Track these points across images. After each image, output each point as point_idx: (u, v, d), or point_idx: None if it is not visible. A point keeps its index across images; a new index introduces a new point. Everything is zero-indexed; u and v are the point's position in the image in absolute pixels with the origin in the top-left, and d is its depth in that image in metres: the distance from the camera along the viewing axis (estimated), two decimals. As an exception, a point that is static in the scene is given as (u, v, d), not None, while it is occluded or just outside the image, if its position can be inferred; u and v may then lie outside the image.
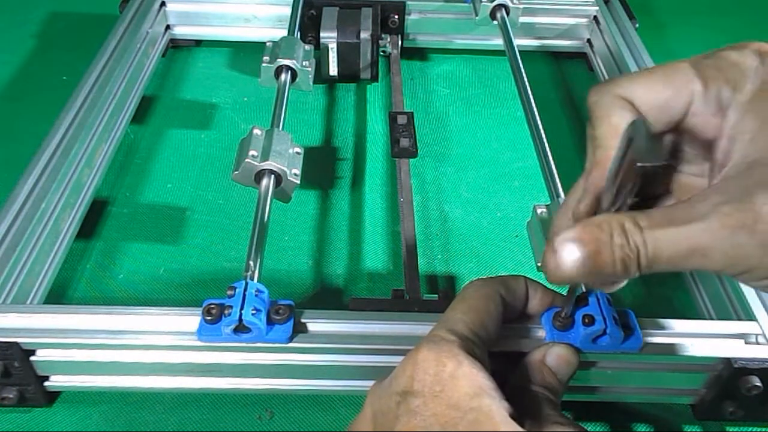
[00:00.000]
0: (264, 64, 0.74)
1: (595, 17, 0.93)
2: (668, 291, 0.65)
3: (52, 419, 0.52)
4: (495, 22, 0.86)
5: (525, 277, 0.45)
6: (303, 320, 0.49)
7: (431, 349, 0.37)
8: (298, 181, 0.61)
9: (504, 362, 0.43)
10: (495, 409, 0.35)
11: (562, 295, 0.46)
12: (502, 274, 0.44)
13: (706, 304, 0.60)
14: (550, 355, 0.43)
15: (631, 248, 0.31)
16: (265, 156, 0.59)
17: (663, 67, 0.34)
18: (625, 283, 0.38)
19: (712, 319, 0.59)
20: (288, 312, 0.48)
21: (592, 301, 0.46)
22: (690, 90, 0.33)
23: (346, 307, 0.59)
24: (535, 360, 0.43)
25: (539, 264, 0.55)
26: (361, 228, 0.70)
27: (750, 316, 0.53)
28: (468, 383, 0.35)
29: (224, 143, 0.79)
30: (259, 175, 0.60)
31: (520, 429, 0.34)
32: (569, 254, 0.32)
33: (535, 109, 0.70)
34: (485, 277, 0.43)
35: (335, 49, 0.85)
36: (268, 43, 0.77)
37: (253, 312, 0.46)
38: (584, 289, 0.47)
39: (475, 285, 0.43)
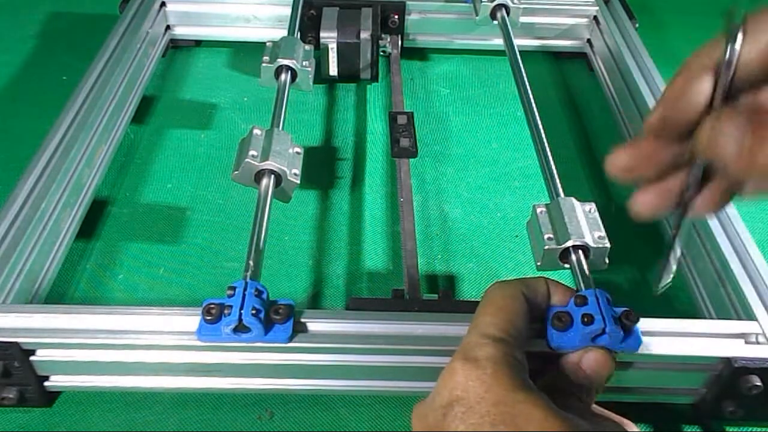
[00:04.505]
0: (264, 64, 0.74)
1: (595, 17, 0.93)
2: (668, 291, 0.65)
3: (52, 419, 0.52)
4: (495, 22, 0.86)
5: (545, 277, 0.46)
6: (303, 320, 0.49)
7: (467, 357, 0.38)
8: (298, 181, 0.61)
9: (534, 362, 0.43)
10: (543, 400, 0.35)
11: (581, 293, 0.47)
12: (523, 277, 0.45)
13: (706, 304, 0.60)
14: (587, 359, 0.44)
15: None
16: (265, 156, 0.59)
17: None
18: None
19: (712, 318, 0.59)
20: (288, 312, 0.48)
21: (592, 301, 0.46)
22: None
23: (346, 307, 0.59)
24: (571, 363, 0.44)
25: (539, 263, 0.55)
26: (361, 228, 0.70)
27: (750, 316, 0.53)
28: (510, 380, 0.36)
29: (224, 143, 0.79)
30: (259, 175, 0.60)
31: (571, 416, 0.35)
32: (733, 126, 0.29)
33: (535, 109, 0.70)
34: (506, 279, 0.44)
35: (335, 49, 0.85)
36: (268, 43, 0.77)
37: (253, 312, 0.46)
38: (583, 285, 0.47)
39: (498, 286, 0.43)
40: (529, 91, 0.73)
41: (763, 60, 0.29)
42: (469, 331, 0.41)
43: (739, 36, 0.29)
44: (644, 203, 0.35)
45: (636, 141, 0.34)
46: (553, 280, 0.46)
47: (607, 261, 0.54)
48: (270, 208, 0.57)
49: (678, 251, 0.39)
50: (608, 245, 0.53)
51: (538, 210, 0.57)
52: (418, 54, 0.96)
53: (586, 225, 0.54)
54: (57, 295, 0.61)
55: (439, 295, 0.58)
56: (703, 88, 0.31)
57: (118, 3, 0.87)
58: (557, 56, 0.98)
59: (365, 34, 0.85)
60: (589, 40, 0.95)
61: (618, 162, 0.34)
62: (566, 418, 0.35)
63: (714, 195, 0.34)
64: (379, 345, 0.49)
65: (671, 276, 0.40)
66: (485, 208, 0.73)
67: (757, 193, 0.33)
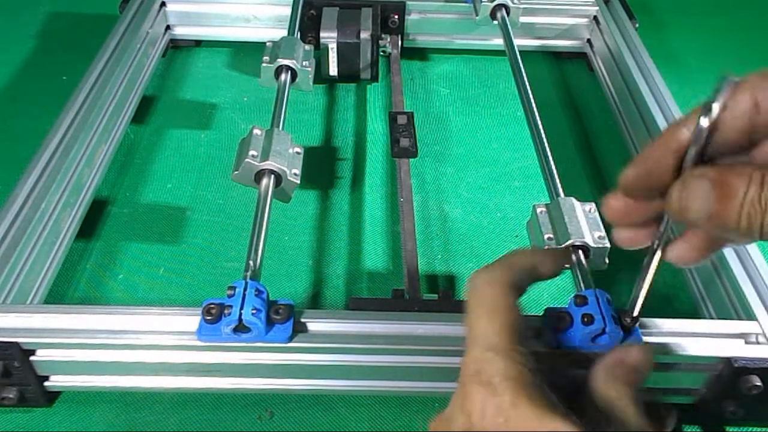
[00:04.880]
0: (264, 64, 0.74)
1: (595, 17, 0.93)
2: (668, 291, 0.65)
3: (52, 419, 0.52)
4: (495, 22, 0.86)
5: (521, 249, 0.41)
6: (303, 320, 0.49)
7: (480, 381, 0.34)
8: (298, 181, 0.61)
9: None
10: (571, 426, 0.32)
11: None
12: (501, 257, 0.40)
13: (706, 304, 0.60)
14: (628, 358, 0.40)
15: (762, 205, 0.29)
16: (265, 156, 0.59)
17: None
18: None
19: (712, 318, 0.59)
20: (288, 312, 0.48)
21: (591, 301, 0.46)
22: None
23: (346, 306, 0.59)
24: (611, 364, 0.40)
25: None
26: (361, 228, 0.70)
27: (750, 316, 0.53)
28: (532, 408, 0.33)
29: (224, 143, 0.79)
30: (259, 175, 0.60)
31: None
32: (699, 192, 0.31)
33: (535, 109, 0.70)
34: (481, 269, 0.39)
35: (335, 49, 0.85)
36: (268, 43, 0.77)
37: (253, 312, 0.46)
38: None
39: (479, 285, 0.38)
40: (529, 91, 0.73)
41: (738, 130, 0.31)
42: (470, 347, 0.36)
43: (715, 106, 0.30)
44: (624, 237, 0.37)
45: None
46: (532, 249, 0.42)
47: (607, 261, 0.54)
48: (270, 208, 0.57)
49: (648, 283, 0.40)
50: (608, 245, 0.53)
51: (538, 210, 0.57)
52: (418, 54, 0.96)
53: (586, 225, 0.54)
54: (57, 296, 0.61)
55: (439, 295, 0.58)
56: (678, 153, 0.32)
57: (118, 3, 0.87)
58: (557, 56, 0.98)
59: (365, 34, 0.85)
60: (589, 40, 0.95)
61: (612, 208, 0.36)
62: None
63: (694, 245, 0.35)
64: (379, 345, 0.49)
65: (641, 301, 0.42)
66: (485, 208, 0.73)
67: (744, 241, 0.34)
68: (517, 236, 0.70)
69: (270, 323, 0.48)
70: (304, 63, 0.75)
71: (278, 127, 0.66)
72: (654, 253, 0.37)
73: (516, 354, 0.35)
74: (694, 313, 0.61)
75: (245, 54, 0.94)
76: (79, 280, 0.63)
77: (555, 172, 0.62)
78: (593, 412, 0.36)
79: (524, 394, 0.33)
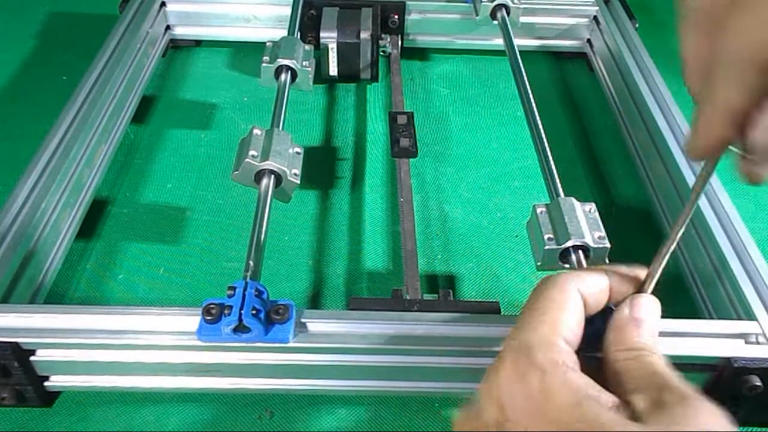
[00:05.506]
0: (264, 64, 0.74)
1: (595, 17, 0.93)
2: (668, 291, 0.65)
3: (52, 419, 0.52)
4: (495, 22, 0.86)
5: (605, 269, 0.40)
6: (303, 320, 0.49)
7: (511, 366, 0.34)
8: (298, 181, 0.61)
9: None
10: (602, 412, 0.31)
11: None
12: (580, 269, 0.41)
13: (706, 304, 0.60)
14: (637, 308, 0.39)
15: None
16: (265, 156, 0.59)
17: None
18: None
19: (712, 318, 0.59)
20: (288, 312, 0.48)
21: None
22: None
23: (346, 307, 0.59)
24: (624, 319, 0.38)
25: (539, 264, 0.55)
26: (361, 228, 0.70)
27: (750, 316, 0.52)
28: (563, 393, 0.32)
29: (224, 143, 0.79)
30: (259, 175, 0.60)
31: (637, 429, 0.31)
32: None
33: (535, 109, 0.70)
34: (561, 272, 0.39)
35: (335, 49, 0.85)
36: (268, 43, 0.77)
37: (253, 312, 0.46)
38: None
39: (549, 281, 0.38)
40: (529, 91, 0.73)
41: None
42: (513, 332, 0.36)
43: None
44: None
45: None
46: (615, 272, 0.40)
47: (607, 261, 0.54)
48: (270, 208, 0.57)
49: (662, 266, 0.40)
50: (608, 245, 0.53)
51: (538, 210, 0.57)
52: (418, 54, 0.96)
53: (586, 225, 0.54)
54: (57, 295, 0.61)
55: (439, 295, 0.58)
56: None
57: (118, 3, 0.87)
58: (557, 56, 0.98)
59: (365, 34, 0.85)
60: (589, 40, 0.95)
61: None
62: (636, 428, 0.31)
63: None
64: (379, 345, 0.49)
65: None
66: (485, 208, 0.73)
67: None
68: (517, 236, 0.70)
69: (270, 323, 0.48)
70: (304, 63, 0.75)
71: (278, 127, 0.66)
72: (674, 234, 0.37)
73: (555, 351, 0.34)
74: (694, 313, 0.61)
75: (245, 54, 0.94)
76: (79, 280, 0.63)
77: (555, 172, 0.62)
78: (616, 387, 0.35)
79: (555, 382, 0.32)
